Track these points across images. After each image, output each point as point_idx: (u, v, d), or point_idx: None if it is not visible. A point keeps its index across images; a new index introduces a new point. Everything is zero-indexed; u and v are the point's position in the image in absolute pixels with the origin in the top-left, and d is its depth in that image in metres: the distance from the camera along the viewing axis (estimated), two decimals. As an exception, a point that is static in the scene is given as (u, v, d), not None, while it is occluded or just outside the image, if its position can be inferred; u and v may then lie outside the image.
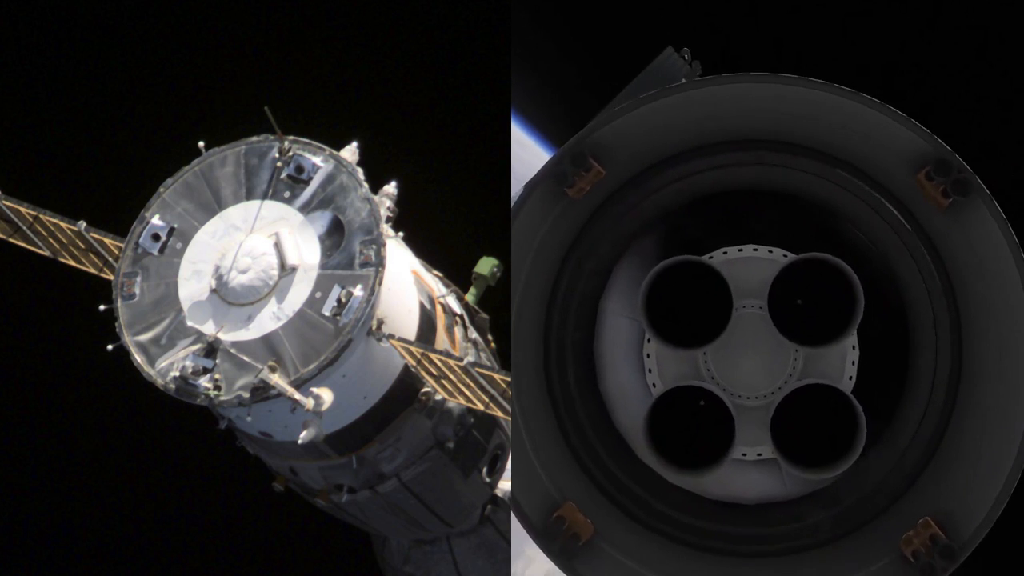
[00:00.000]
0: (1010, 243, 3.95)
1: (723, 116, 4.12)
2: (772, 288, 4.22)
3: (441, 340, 9.00)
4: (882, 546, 4.11)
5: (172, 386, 7.91)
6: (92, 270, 8.67)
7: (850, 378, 4.30)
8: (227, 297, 8.00)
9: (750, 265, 4.31)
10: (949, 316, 4.19)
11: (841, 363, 4.25)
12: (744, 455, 4.32)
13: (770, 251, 4.37)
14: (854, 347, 4.31)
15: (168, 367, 7.95)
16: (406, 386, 8.66)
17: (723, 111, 4.10)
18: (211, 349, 7.90)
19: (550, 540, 4.29)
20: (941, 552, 4.02)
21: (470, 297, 10.18)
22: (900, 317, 4.34)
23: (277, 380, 7.74)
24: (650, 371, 4.35)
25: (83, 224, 8.57)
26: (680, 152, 4.22)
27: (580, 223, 4.23)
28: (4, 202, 8.74)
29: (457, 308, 9.56)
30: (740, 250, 4.38)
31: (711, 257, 4.36)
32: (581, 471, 4.21)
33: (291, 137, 8.29)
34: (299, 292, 7.98)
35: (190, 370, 7.86)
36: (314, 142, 8.35)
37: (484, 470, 9.82)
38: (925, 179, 4.00)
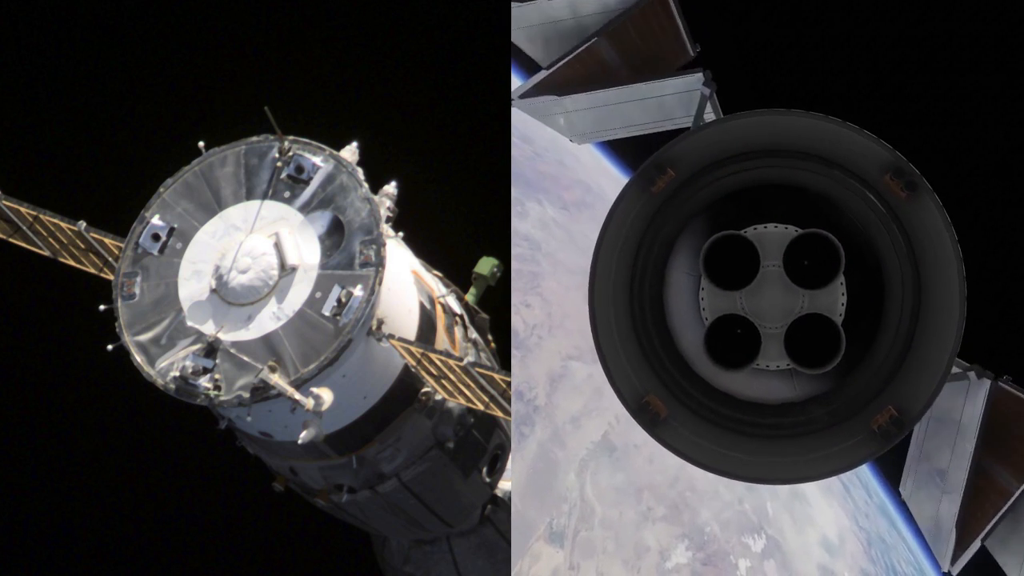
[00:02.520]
0: (945, 223, 6.06)
1: (755, 136, 6.22)
2: (786, 252, 6.29)
3: (441, 340, 9.01)
4: (858, 428, 6.23)
5: (172, 386, 7.90)
6: (92, 270, 8.65)
7: (840, 314, 6.37)
8: (227, 297, 8.00)
9: (772, 236, 6.35)
10: (912, 272, 6.20)
11: (835, 303, 6.35)
12: (767, 366, 6.42)
13: (786, 227, 6.38)
14: (843, 293, 6.36)
15: (168, 367, 7.94)
16: (406, 386, 8.66)
17: (755, 132, 6.21)
18: (211, 349, 7.90)
19: (642, 413, 6.33)
20: (894, 423, 6.18)
21: (470, 297, 10.17)
22: (877, 273, 6.36)
23: (277, 380, 7.74)
24: (703, 309, 6.43)
25: (83, 224, 8.55)
26: (723, 159, 6.27)
27: (654, 210, 6.27)
28: (4, 202, 8.72)
29: (457, 308, 9.56)
30: (765, 227, 6.39)
31: (745, 231, 6.37)
32: (656, 378, 6.33)
33: (291, 137, 8.29)
34: (299, 292, 7.98)
35: (190, 370, 7.85)
36: (314, 142, 8.34)
37: (484, 470, 9.81)
38: (890, 179, 6.12)
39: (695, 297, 6.35)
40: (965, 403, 7.44)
